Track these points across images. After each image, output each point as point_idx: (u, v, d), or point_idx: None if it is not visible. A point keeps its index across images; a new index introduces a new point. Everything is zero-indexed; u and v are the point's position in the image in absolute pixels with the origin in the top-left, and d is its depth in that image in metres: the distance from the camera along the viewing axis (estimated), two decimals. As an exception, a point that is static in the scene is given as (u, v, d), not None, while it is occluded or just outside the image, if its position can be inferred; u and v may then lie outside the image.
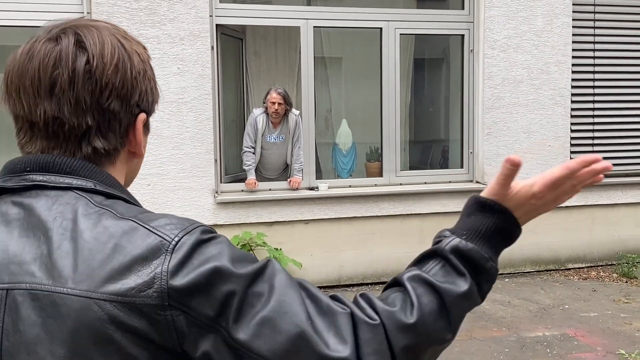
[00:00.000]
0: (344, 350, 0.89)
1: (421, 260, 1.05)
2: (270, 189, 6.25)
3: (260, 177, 6.42)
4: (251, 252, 5.75)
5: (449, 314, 0.98)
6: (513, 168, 1.03)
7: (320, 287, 6.23)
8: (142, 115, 1.03)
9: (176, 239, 0.89)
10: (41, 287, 0.88)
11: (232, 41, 6.92)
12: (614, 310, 5.65)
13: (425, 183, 6.66)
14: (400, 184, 6.59)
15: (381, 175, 6.65)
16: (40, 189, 0.96)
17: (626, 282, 6.51)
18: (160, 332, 0.87)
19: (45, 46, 0.97)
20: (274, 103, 6.20)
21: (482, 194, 1.08)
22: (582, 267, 6.96)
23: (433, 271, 1.01)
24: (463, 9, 6.65)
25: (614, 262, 6.89)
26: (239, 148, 7.12)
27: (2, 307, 0.90)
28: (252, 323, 0.88)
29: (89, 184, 0.97)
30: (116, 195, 0.98)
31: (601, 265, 7.00)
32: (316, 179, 6.45)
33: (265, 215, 6.07)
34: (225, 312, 0.88)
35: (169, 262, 0.87)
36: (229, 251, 0.91)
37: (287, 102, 6.26)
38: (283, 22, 6.38)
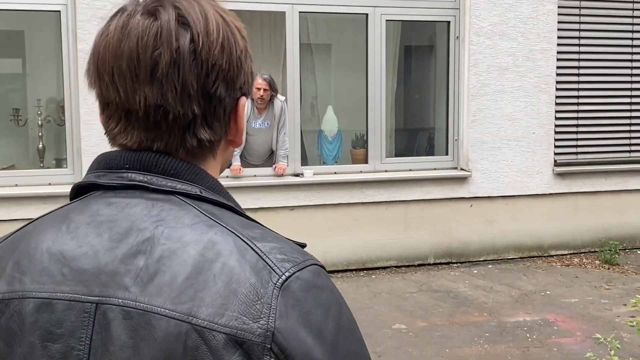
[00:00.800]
0: None
1: None
2: (255, 175, 6.29)
3: (245, 163, 6.44)
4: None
5: None
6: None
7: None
8: (244, 99, 0.91)
9: (287, 274, 0.78)
10: (136, 304, 0.77)
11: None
12: (595, 297, 5.75)
13: (411, 170, 6.72)
14: (385, 171, 6.64)
15: (366, 162, 6.71)
16: (140, 190, 0.85)
17: (608, 268, 6.62)
18: None
19: (142, 21, 0.84)
20: (259, 89, 6.21)
21: None
22: (565, 254, 7.06)
23: None
24: (449, -5, 6.69)
25: (597, 249, 7.00)
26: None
27: (91, 323, 0.79)
28: None
29: (195, 190, 0.85)
30: (224, 204, 0.86)
31: (584, 252, 7.10)
32: (301, 165, 6.50)
33: (250, 201, 6.10)
34: None
35: (277, 299, 0.77)
36: (337, 305, 0.82)
37: (272, 88, 6.27)
38: (268, 7, 6.40)
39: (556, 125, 6.91)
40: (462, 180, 6.71)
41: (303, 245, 0.88)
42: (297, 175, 6.37)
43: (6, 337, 0.81)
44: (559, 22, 6.79)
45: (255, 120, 6.35)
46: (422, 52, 8.20)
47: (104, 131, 0.89)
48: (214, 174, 0.90)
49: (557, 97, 6.88)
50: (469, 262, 6.78)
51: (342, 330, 0.80)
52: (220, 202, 0.86)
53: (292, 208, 6.26)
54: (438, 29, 7.20)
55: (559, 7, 6.77)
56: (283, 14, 6.30)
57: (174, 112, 0.84)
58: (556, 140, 6.92)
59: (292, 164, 6.39)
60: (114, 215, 0.83)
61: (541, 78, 6.79)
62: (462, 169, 6.76)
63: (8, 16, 6.02)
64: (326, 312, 0.79)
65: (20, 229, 0.90)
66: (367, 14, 6.48)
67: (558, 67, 6.85)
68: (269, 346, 0.75)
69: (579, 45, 6.93)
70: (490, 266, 6.70)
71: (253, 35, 8.01)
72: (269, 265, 0.79)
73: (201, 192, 0.85)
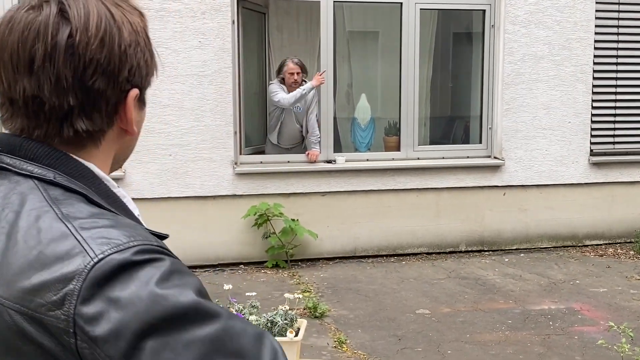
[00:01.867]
0: None
1: None
2: (288, 162, 6.48)
3: (276, 147, 6.67)
4: (268, 221, 6.02)
5: None
6: None
7: (336, 258, 6.48)
8: (134, 91, 0.94)
9: (100, 256, 0.80)
10: None
11: (254, 15, 7.12)
12: (624, 287, 5.78)
13: (444, 158, 6.81)
14: (418, 159, 6.74)
15: (399, 150, 6.81)
16: (6, 172, 0.91)
17: (642, 260, 6.60)
18: (67, 358, 0.80)
19: (26, 16, 0.89)
20: (292, 73, 6.43)
21: None
22: (600, 244, 7.06)
23: None
24: (484, -17, 6.72)
25: (632, 240, 6.97)
26: (260, 120, 7.36)
27: None
28: None
29: (49, 175, 0.90)
30: (76, 189, 0.89)
31: (619, 243, 7.08)
32: (334, 152, 6.66)
33: (282, 186, 6.32)
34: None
35: (83, 282, 0.79)
36: (157, 287, 0.80)
37: (303, 71, 6.50)
38: (304, -3, 6.55)
39: (593, 115, 6.90)
40: (495, 168, 6.78)
41: (163, 237, 0.92)
42: (329, 161, 6.53)
43: None
44: (596, 11, 6.75)
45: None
46: (457, 40, 8.24)
47: None
48: (100, 162, 0.96)
49: (594, 86, 6.86)
50: (500, 250, 6.85)
51: (158, 297, 0.79)
52: (71, 187, 0.89)
53: (323, 194, 6.44)
54: (474, 17, 7.24)
55: (597, -6, 6.73)
56: (318, 3, 6.44)
57: (49, 103, 0.89)
58: (592, 129, 6.91)
59: (324, 150, 6.56)
60: None
61: (578, 67, 6.78)
62: (495, 158, 6.82)
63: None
64: (143, 284, 0.79)
65: None
66: (401, 3, 6.57)
67: (595, 56, 6.82)
68: (71, 331, 0.78)
69: (617, 34, 6.88)
70: (522, 255, 6.76)
71: (288, 24, 8.22)
72: (85, 250, 0.80)
73: (55, 178, 0.89)
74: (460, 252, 6.79)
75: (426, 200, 6.66)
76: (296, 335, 2.57)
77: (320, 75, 6.29)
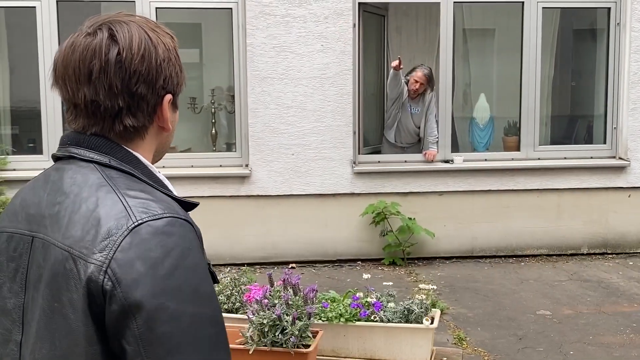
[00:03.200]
0: None
1: None
2: (405, 161, 6.64)
3: (393, 146, 6.87)
4: (385, 220, 6.20)
5: None
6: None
7: (453, 257, 6.57)
8: (168, 96, 1.21)
9: (140, 221, 1.08)
10: (46, 237, 1.14)
11: (374, 18, 7.33)
12: None
13: (565, 158, 6.73)
14: (539, 159, 6.71)
15: (518, 150, 6.80)
16: (74, 159, 1.20)
17: None
18: (96, 292, 1.05)
19: (84, 40, 1.17)
20: (416, 82, 6.64)
21: None
22: None
23: None
24: (610, -21, 6.59)
25: None
26: (378, 121, 7.56)
27: (29, 250, 1.18)
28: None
29: (105, 159, 1.18)
30: (126, 170, 1.18)
31: None
32: (452, 152, 6.75)
33: (399, 185, 6.48)
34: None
35: (124, 237, 1.06)
36: (183, 249, 1.09)
37: (429, 84, 6.65)
38: (423, -1, 6.69)
39: None
40: (620, 169, 6.63)
41: (194, 205, 1.23)
42: (447, 161, 6.63)
43: None
44: None
45: (409, 106, 6.77)
46: (580, 39, 8.08)
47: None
48: (145, 152, 1.24)
49: None
50: (625, 253, 6.70)
51: (181, 268, 1.07)
52: (122, 169, 1.18)
53: (440, 193, 6.55)
54: (598, 15, 7.11)
55: None
56: (437, 4, 6.56)
57: (104, 105, 1.17)
58: None
59: (442, 150, 6.67)
60: (56, 177, 1.20)
61: None
62: (620, 158, 6.68)
63: (188, 11, 6.79)
64: (167, 252, 1.07)
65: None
66: (522, 2, 6.57)
67: None
68: (105, 269, 1.05)
69: None
70: (649, 259, 6.57)
71: (408, 25, 8.36)
72: (129, 214, 1.09)
73: (110, 161, 1.18)
74: (582, 254, 6.69)
75: (547, 202, 6.62)
76: (432, 323, 2.76)
77: (396, 63, 6.42)
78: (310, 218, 6.40)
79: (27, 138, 6.87)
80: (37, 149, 6.46)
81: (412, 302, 2.77)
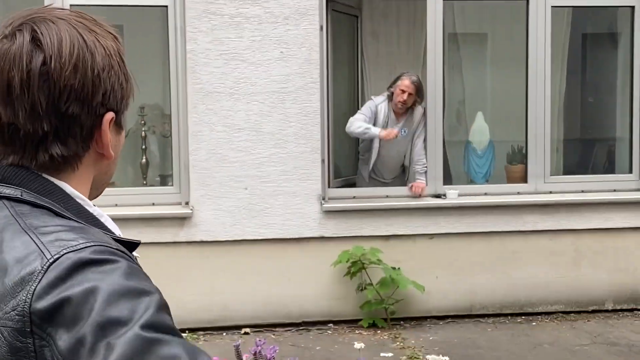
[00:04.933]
0: None
1: None
2: (387, 196, 6.59)
3: (373, 181, 6.82)
4: (363, 270, 6.12)
5: None
6: None
7: (447, 317, 6.49)
8: (109, 115, 1.17)
9: (56, 256, 1.02)
10: None
11: (345, 19, 7.34)
12: None
13: (583, 192, 6.75)
14: (550, 192, 6.72)
15: (525, 181, 6.81)
16: None
17: None
18: (26, 353, 0.99)
19: (1, 45, 1.13)
20: (404, 92, 6.59)
21: None
22: None
23: None
24: (633, -27, 6.71)
25: None
26: (351, 147, 7.50)
27: None
28: None
29: (16, 193, 1.13)
30: (44, 205, 1.12)
31: None
32: (444, 184, 6.72)
33: (381, 226, 6.41)
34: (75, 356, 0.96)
35: (39, 281, 0.99)
36: (118, 281, 1.00)
37: (419, 94, 6.63)
38: (406, -5, 6.71)
39: None
40: (650, 205, 6.68)
41: (136, 244, 1.17)
42: (438, 196, 6.58)
43: None
44: None
45: (392, 126, 6.70)
46: (598, 44, 8.21)
47: None
48: (78, 185, 1.19)
49: None
50: (659, 309, 6.71)
51: (110, 299, 0.98)
52: (38, 203, 1.12)
53: (431, 236, 6.49)
54: (619, 15, 7.21)
55: None
56: (423, 3, 6.58)
57: (24, 130, 1.12)
58: None
59: (432, 182, 6.63)
60: None
61: None
62: (650, 191, 6.73)
63: (108, 10, 6.65)
64: (96, 284, 0.98)
65: None
66: (527, 0, 6.63)
67: None
68: (28, 329, 0.98)
69: None
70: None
71: (387, 28, 8.38)
72: (42, 252, 1.02)
73: (22, 195, 1.13)
74: (607, 311, 6.68)
75: (562, 245, 6.61)
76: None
77: (395, 133, 6.49)
78: (269, 270, 6.28)
79: None
80: None
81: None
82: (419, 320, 6.48)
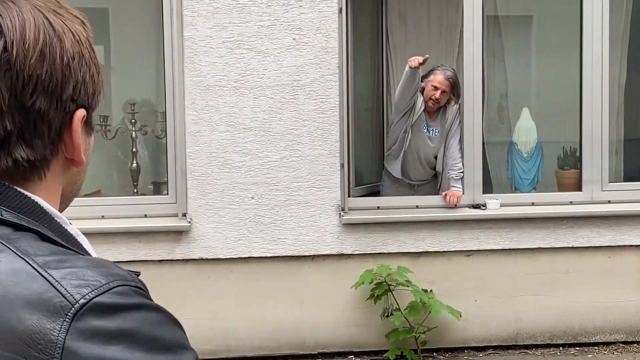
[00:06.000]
0: None
1: None
2: (417, 207, 6.53)
3: (399, 184, 6.84)
4: (389, 293, 6.07)
5: None
6: None
7: (489, 347, 6.42)
8: (81, 112, 1.14)
9: (82, 301, 0.97)
10: None
11: (368, 1, 7.28)
12: None
13: (647, 201, 6.69)
14: (609, 202, 6.66)
15: (580, 189, 6.75)
16: None
17: None
18: None
19: None
20: (436, 88, 6.58)
21: None
22: None
23: None
24: None
25: None
26: (375, 149, 7.45)
27: None
28: None
29: None
30: (28, 227, 1.08)
31: None
32: (483, 192, 6.66)
33: (409, 242, 6.35)
34: None
35: (67, 333, 0.95)
36: (149, 334, 1.01)
37: (454, 91, 6.59)
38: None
39: None
40: None
41: (136, 274, 1.10)
42: (476, 206, 6.54)
43: None
44: None
45: (425, 125, 6.66)
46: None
47: None
48: (47, 197, 1.14)
49: None
50: None
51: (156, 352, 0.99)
52: (22, 225, 1.07)
53: (469, 253, 6.43)
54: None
55: None
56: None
57: None
58: None
59: (469, 190, 6.57)
60: None
61: None
62: None
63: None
64: (132, 336, 0.98)
65: None
66: (581, -24, 6.56)
67: None
68: None
69: None
70: None
71: (416, 10, 8.34)
72: (61, 294, 0.97)
73: (2, 215, 1.07)
74: (677, 340, 6.61)
75: (623, 264, 6.54)
76: None
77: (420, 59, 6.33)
78: (279, 292, 6.24)
79: None
80: None
81: None
82: (455, 351, 6.45)
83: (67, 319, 0.96)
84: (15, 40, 1.07)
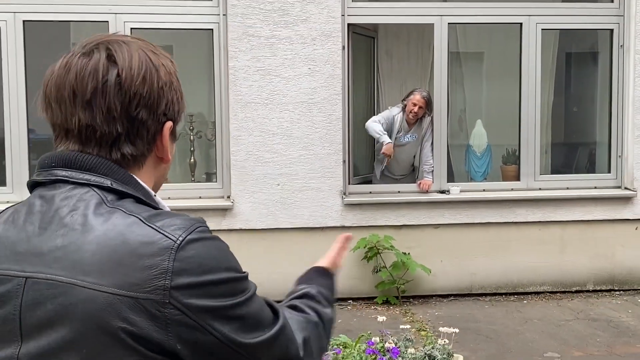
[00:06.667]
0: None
1: (300, 297, 1.42)
2: (399, 192, 6.55)
3: (386, 177, 6.78)
4: (378, 255, 6.08)
5: (324, 326, 1.36)
6: (347, 244, 1.54)
7: (450, 295, 6.44)
8: (169, 123, 1.19)
9: (180, 238, 1.05)
10: (55, 277, 1.05)
11: (363, 40, 7.30)
12: None
13: (568, 188, 6.69)
14: (540, 189, 6.66)
15: (518, 180, 6.76)
16: (63, 183, 1.13)
17: None
18: (158, 328, 1.03)
19: (80, 60, 1.14)
20: (415, 105, 6.55)
21: (323, 265, 1.57)
22: None
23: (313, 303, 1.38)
24: (612, 1, 6.61)
25: None
26: (368, 149, 7.46)
27: (21, 293, 1.07)
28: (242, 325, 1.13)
29: (107, 182, 1.13)
30: (130, 194, 1.13)
31: None
32: (448, 182, 6.68)
33: (393, 218, 6.37)
34: (219, 314, 1.08)
35: (174, 261, 1.03)
36: (226, 256, 1.13)
37: (428, 107, 6.57)
38: (416, 20, 6.69)
39: None
40: (626, 200, 6.58)
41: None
42: (442, 192, 6.55)
43: None
44: None
45: (405, 133, 6.67)
46: (581, 61, 8.12)
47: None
48: (144, 181, 1.19)
49: None
50: (633, 290, 6.63)
51: (231, 271, 1.11)
52: (127, 192, 1.13)
53: (436, 226, 6.44)
54: (600, 37, 7.13)
55: None
56: (431, 25, 6.52)
57: (101, 130, 1.13)
58: None
59: (437, 180, 6.59)
60: (43, 207, 1.12)
61: None
62: (626, 188, 6.64)
63: (159, 33, 6.67)
64: (216, 260, 1.09)
65: None
66: (521, 23, 6.56)
67: None
68: (167, 301, 1.02)
69: None
70: (659, 297, 6.49)
71: (399, 48, 8.33)
72: (165, 235, 1.06)
73: (112, 184, 1.13)
74: (588, 291, 6.61)
75: (550, 235, 6.54)
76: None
77: (391, 152, 6.42)
78: (298, 253, 6.25)
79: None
80: (-1, 180, 6.27)
81: (433, 348, 2.64)
82: (426, 298, 6.45)
83: (172, 251, 1.04)
84: (125, 69, 1.14)
